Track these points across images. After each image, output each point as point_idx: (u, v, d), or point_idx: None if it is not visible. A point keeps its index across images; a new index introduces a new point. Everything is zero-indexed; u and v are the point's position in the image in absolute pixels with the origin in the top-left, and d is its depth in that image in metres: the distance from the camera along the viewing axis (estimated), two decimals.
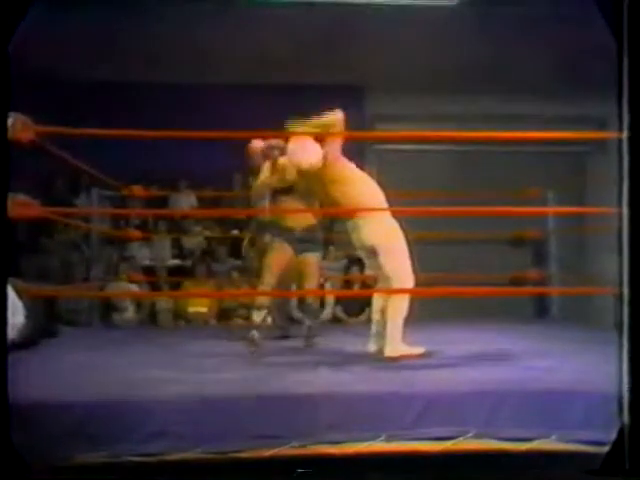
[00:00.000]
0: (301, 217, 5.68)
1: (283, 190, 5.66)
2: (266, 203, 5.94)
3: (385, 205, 5.12)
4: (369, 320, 5.46)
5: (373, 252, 5.07)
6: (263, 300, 5.66)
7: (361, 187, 5.13)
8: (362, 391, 3.85)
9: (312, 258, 5.78)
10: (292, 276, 5.93)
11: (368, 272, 6.56)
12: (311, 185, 5.28)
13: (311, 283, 5.83)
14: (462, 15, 7.60)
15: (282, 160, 5.54)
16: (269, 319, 6.09)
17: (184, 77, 8.52)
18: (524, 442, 3.59)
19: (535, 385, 3.94)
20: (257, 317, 5.61)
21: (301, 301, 5.99)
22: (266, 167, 5.79)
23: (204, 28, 7.70)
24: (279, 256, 5.65)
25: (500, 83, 8.22)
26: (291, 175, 5.40)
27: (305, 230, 5.69)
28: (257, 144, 5.97)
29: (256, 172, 6.07)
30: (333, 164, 5.10)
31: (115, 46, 7.86)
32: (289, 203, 5.69)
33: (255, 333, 5.55)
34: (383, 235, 5.01)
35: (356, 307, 7.83)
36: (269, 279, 5.60)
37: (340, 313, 8.04)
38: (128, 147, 7.27)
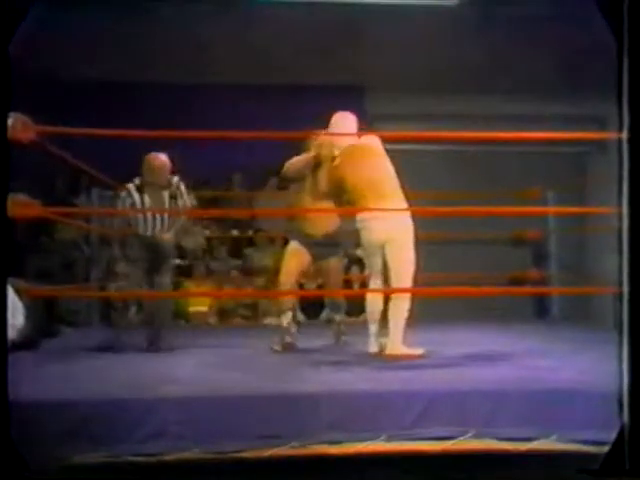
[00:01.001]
0: (321, 223, 5.63)
1: (314, 166, 5.56)
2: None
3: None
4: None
5: (381, 248, 5.05)
6: (287, 302, 5.69)
7: (388, 166, 5.18)
8: (362, 391, 3.86)
9: (333, 262, 5.80)
10: (308, 279, 5.97)
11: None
12: (342, 163, 5.25)
13: (334, 286, 5.89)
14: (462, 15, 7.60)
15: (326, 138, 5.46)
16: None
17: (184, 77, 8.51)
18: (524, 442, 3.59)
19: (535, 385, 3.94)
20: (285, 320, 5.64)
21: (331, 302, 6.09)
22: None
23: (204, 28, 7.70)
24: (298, 261, 5.67)
25: (500, 83, 8.22)
26: (329, 150, 5.38)
27: (325, 237, 5.67)
28: (162, 158, 5.74)
29: (161, 187, 5.76)
30: (369, 142, 5.22)
31: (115, 46, 7.85)
32: (306, 200, 5.64)
33: (288, 337, 5.60)
34: (396, 231, 4.99)
35: (355, 307, 7.81)
36: (287, 282, 5.64)
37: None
38: (128, 147, 7.26)
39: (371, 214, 5.00)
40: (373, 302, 5.22)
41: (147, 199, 5.75)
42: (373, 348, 5.20)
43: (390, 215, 4.98)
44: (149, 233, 5.74)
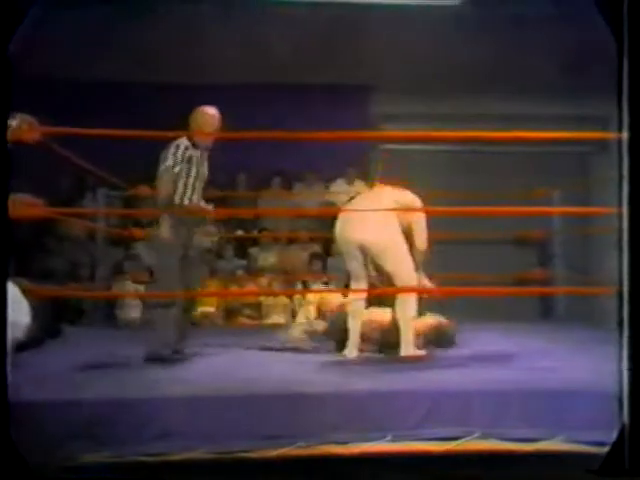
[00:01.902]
0: None
1: None
2: None
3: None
4: None
5: (359, 250, 4.99)
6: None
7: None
8: (368, 391, 3.86)
9: None
10: None
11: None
12: None
13: None
14: (465, 15, 7.59)
15: None
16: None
17: (184, 77, 8.50)
18: (529, 443, 3.59)
19: (539, 385, 3.94)
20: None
21: None
22: None
23: (205, 28, 7.70)
24: None
25: (502, 83, 8.21)
26: None
27: None
28: (214, 111, 5.08)
29: (206, 147, 5.09)
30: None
31: (115, 46, 7.86)
32: None
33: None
34: (377, 235, 4.93)
35: None
36: None
37: None
38: (133, 147, 7.27)
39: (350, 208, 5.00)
40: (356, 308, 5.14)
41: (199, 157, 5.04)
42: (351, 354, 5.10)
43: (367, 215, 4.93)
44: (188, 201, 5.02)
